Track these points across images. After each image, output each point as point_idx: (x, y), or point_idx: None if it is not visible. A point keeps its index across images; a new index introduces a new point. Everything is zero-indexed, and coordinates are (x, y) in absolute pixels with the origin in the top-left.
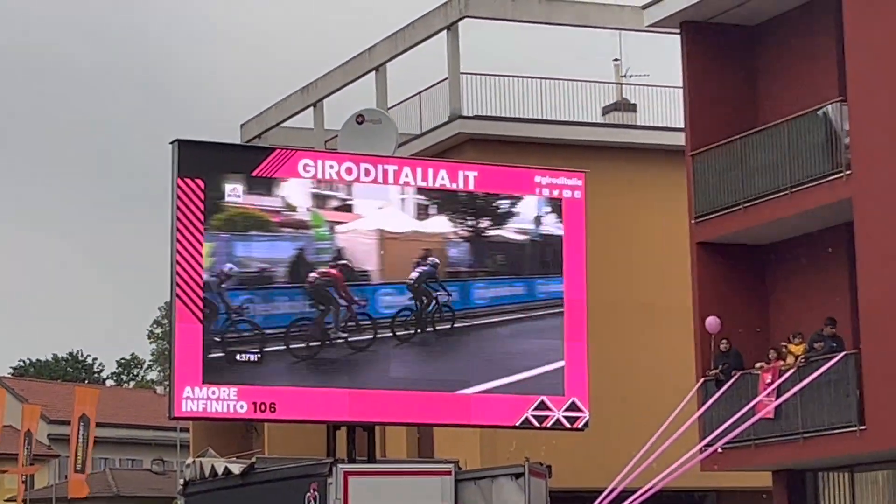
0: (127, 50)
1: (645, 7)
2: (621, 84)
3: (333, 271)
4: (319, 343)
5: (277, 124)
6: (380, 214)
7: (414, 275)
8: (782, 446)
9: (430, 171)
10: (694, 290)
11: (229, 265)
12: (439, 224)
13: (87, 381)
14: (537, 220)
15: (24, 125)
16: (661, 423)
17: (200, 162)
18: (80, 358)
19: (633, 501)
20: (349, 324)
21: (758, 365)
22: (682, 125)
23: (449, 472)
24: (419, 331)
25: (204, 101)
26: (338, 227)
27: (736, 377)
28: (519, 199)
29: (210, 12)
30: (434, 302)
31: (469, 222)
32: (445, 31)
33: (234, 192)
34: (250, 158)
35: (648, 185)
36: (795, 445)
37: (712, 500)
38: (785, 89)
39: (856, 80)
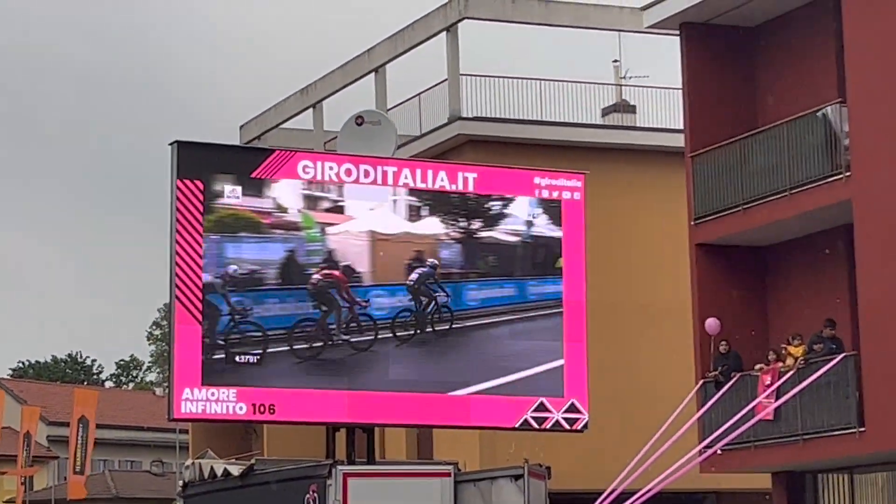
0: (126, 51)
1: (644, 8)
2: (621, 85)
3: (336, 273)
4: (322, 344)
5: (277, 125)
6: (371, 216)
7: (413, 276)
8: (782, 448)
9: (430, 173)
10: (693, 292)
11: (233, 267)
12: (431, 225)
13: (86, 383)
14: (529, 222)
15: (24, 126)
16: (660, 425)
17: (200, 163)
18: (80, 359)
19: (632, 503)
20: (351, 325)
21: (757, 366)
22: (681, 126)
23: (448, 474)
24: (419, 331)
25: (203, 103)
26: (329, 229)
27: (735, 379)
28: (511, 200)
29: (210, 13)
30: (433, 303)
31: (461, 224)
32: (445, 33)
33: (233, 193)
34: (250, 160)
35: (648, 187)
36: (795, 447)
37: (712, 501)
38: (784, 91)
39: (855, 81)
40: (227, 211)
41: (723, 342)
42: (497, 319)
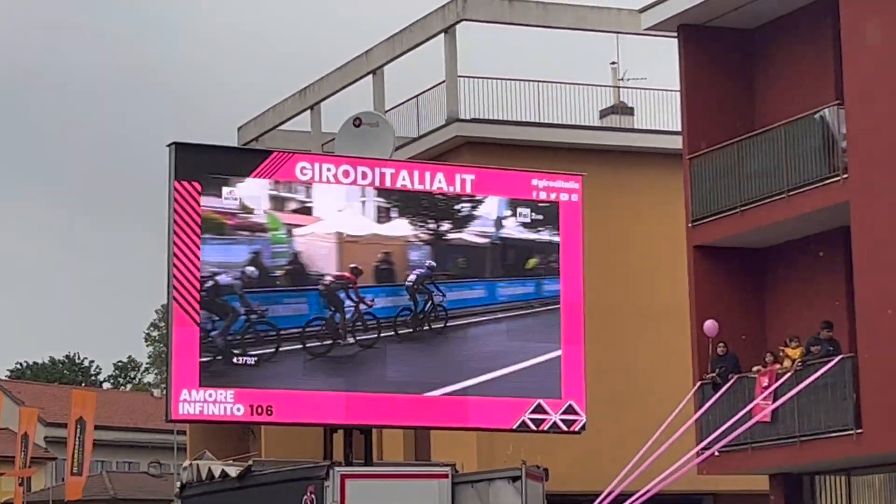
0: (124, 52)
1: (642, 10)
2: (618, 87)
3: (347, 274)
4: (331, 342)
5: (275, 127)
6: (339, 217)
7: (412, 277)
8: (779, 450)
9: (427, 175)
10: (691, 294)
11: (251, 268)
12: (400, 227)
13: (83, 384)
14: (498, 223)
15: (23, 127)
16: (658, 427)
17: (197, 165)
18: (77, 361)
19: None
20: (357, 324)
21: (755, 368)
22: (679, 129)
23: (446, 475)
24: (417, 329)
25: (201, 104)
26: (295, 230)
27: (733, 381)
28: (480, 202)
29: (208, 15)
30: (430, 302)
31: (430, 225)
32: (443, 34)
33: (230, 194)
34: (248, 161)
35: (646, 189)
36: (792, 449)
37: (709, 503)
38: (782, 93)
39: (853, 83)
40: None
41: (720, 344)
42: (490, 318)
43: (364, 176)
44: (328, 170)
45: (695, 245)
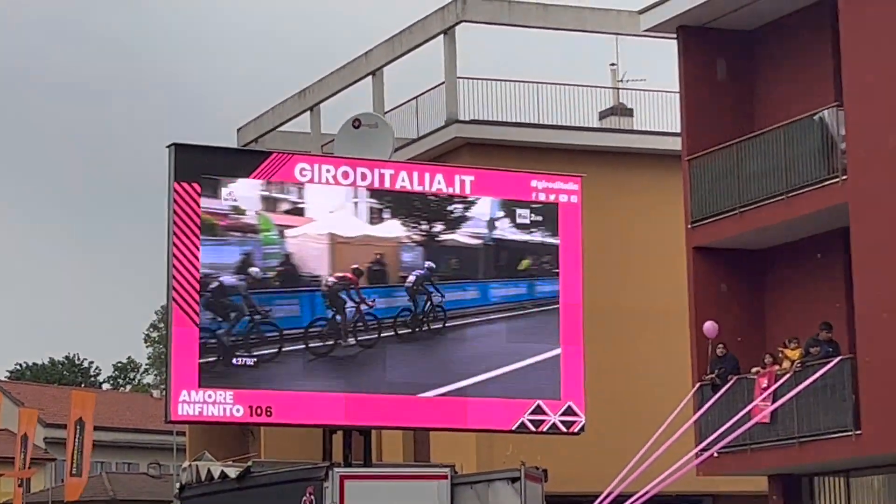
0: (124, 53)
1: (641, 12)
2: (618, 88)
3: (349, 275)
4: (333, 342)
5: (274, 128)
6: (332, 218)
7: (411, 278)
8: (778, 451)
9: (427, 176)
10: (690, 295)
11: (255, 269)
12: (392, 228)
13: (83, 385)
14: (491, 224)
15: (21, 128)
16: (657, 428)
17: (197, 166)
18: (77, 362)
19: None
20: (358, 324)
21: (754, 370)
22: (678, 130)
23: (445, 477)
24: (416, 329)
25: (201, 106)
26: (287, 231)
27: (732, 382)
28: (473, 203)
29: (207, 16)
30: (429, 303)
31: (423, 226)
32: (442, 36)
33: (229, 196)
34: (247, 162)
35: (645, 190)
36: (791, 450)
37: None
38: (781, 94)
39: (852, 85)
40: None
41: (720, 345)
42: (486, 318)
43: (363, 177)
44: (327, 171)
45: (694, 246)
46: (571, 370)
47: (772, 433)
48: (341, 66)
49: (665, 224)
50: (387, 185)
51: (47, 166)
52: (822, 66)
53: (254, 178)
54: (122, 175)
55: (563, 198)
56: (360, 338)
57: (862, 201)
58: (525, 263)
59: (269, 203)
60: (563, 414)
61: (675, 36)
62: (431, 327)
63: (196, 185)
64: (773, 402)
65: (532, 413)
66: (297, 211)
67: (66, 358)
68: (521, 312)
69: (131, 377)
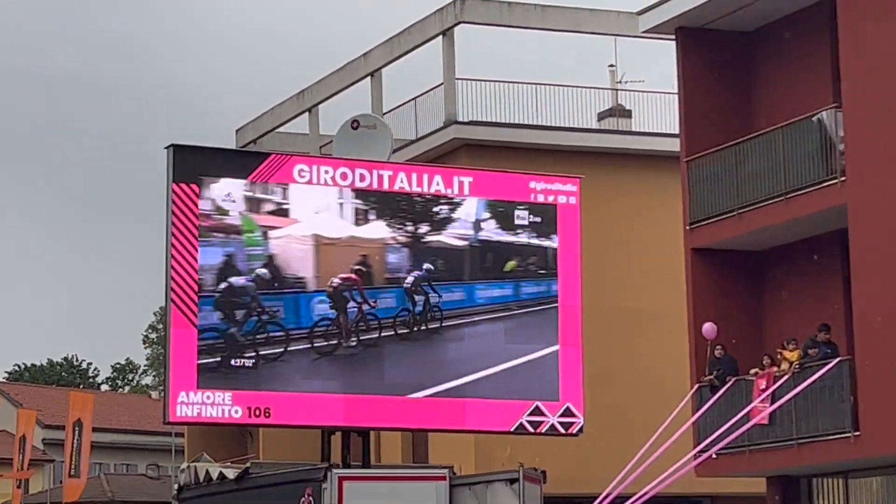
0: (121, 56)
1: (640, 13)
2: (616, 90)
3: (353, 276)
4: (336, 342)
5: (273, 129)
6: (317, 219)
7: (410, 279)
8: (777, 452)
9: (425, 177)
10: (688, 297)
11: (263, 270)
12: (377, 229)
13: (82, 386)
14: (477, 225)
15: (21, 129)
16: (655, 429)
17: (195, 167)
18: (76, 363)
19: None
20: (360, 324)
21: (752, 371)
22: (676, 131)
23: (444, 478)
24: (415, 329)
25: (199, 107)
26: (271, 233)
27: (730, 383)
28: (459, 204)
29: (206, 18)
30: (427, 303)
31: (408, 227)
32: (441, 37)
33: (228, 197)
34: (245, 163)
35: (643, 191)
36: (790, 451)
37: None
38: (780, 95)
39: (850, 86)
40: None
41: (718, 346)
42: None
43: (362, 178)
44: (326, 172)
45: (692, 247)
46: (570, 371)
47: (770, 434)
48: (340, 67)
49: (663, 225)
50: (385, 186)
51: (46, 167)
52: (820, 67)
53: (252, 179)
54: (120, 176)
55: (561, 199)
56: (361, 337)
57: (860, 203)
58: (511, 265)
59: (253, 204)
60: (561, 415)
61: (673, 37)
62: (429, 327)
63: (194, 186)
64: (772, 403)
65: (530, 414)
66: (282, 212)
67: (65, 359)
68: (508, 314)
69: (130, 378)
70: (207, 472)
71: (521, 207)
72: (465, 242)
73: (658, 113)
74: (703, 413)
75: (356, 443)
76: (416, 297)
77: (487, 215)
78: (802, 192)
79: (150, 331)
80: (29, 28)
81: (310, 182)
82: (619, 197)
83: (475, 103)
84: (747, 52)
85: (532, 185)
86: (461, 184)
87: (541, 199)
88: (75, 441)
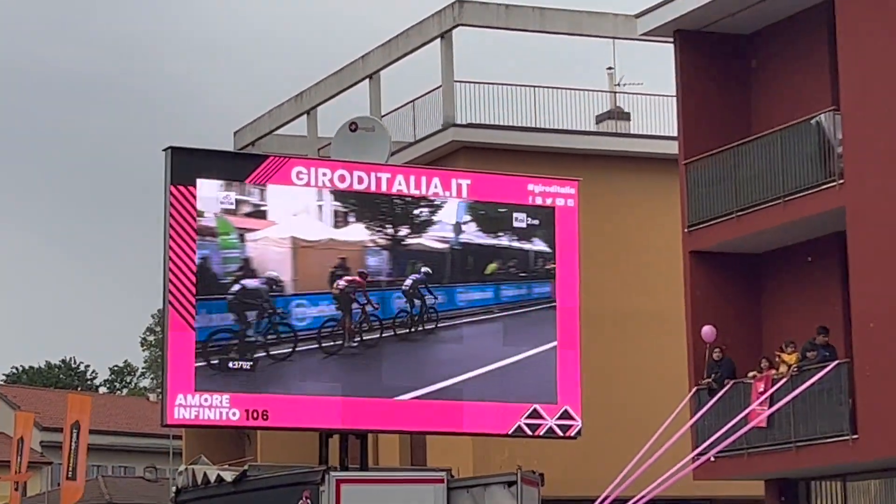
0: (119, 58)
1: (638, 16)
2: (615, 92)
3: (358, 278)
4: (342, 342)
5: (271, 132)
6: (295, 221)
7: (408, 282)
8: (775, 455)
9: (424, 179)
10: (687, 299)
11: (273, 272)
12: (356, 232)
13: (80, 389)
14: (457, 228)
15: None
16: (653, 432)
17: (193, 169)
18: (73, 365)
19: None
20: (363, 325)
21: (750, 374)
22: (675, 134)
23: (441, 480)
24: (412, 330)
25: (198, 109)
26: (248, 235)
27: (728, 386)
28: (439, 206)
29: (204, 20)
30: (423, 305)
31: (387, 230)
32: (439, 39)
33: (226, 199)
34: (244, 166)
35: (641, 194)
36: (788, 454)
37: None
38: (778, 98)
39: (849, 89)
40: None
41: (716, 349)
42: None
43: (360, 181)
44: (324, 174)
45: (690, 250)
46: (568, 374)
47: (769, 437)
48: (338, 69)
49: (662, 228)
50: (383, 188)
51: (44, 168)
52: (818, 70)
53: (250, 181)
54: (119, 177)
55: (559, 201)
56: (364, 338)
57: (859, 205)
58: (492, 268)
59: (230, 206)
60: (559, 418)
61: (672, 40)
62: (425, 328)
63: (192, 189)
64: (770, 406)
65: (529, 417)
66: (259, 214)
67: (63, 361)
68: (489, 317)
69: (128, 381)
70: (205, 474)
71: (518, 210)
72: (446, 245)
73: (656, 115)
74: (702, 416)
75: (354, 445)
76: (415, 301)
77: (468, 218)
78: (801, 194)
79: (147, 333)
80: (29, 28)
81: (308, 184)
82: (617, 199)
83: (473, 106)
84: (745, 54)
85: (530, 187)
86: (459, 186)
87: (539, 201)
88: (73, 443)
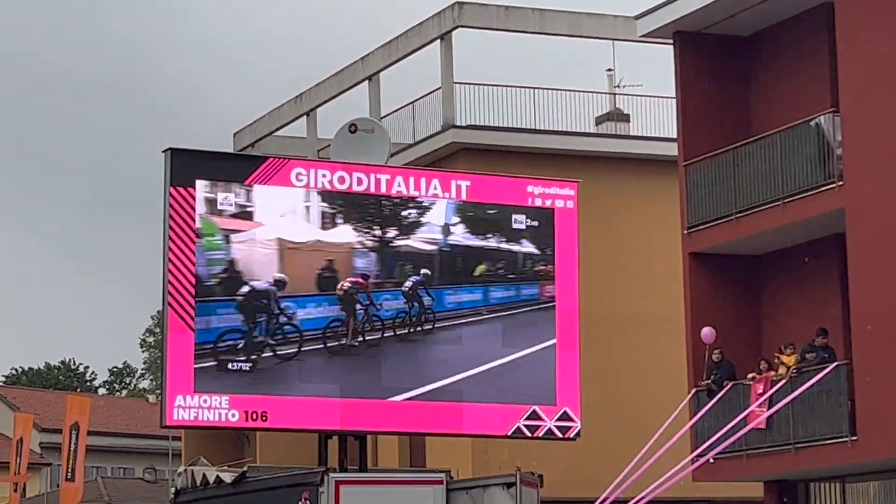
0: (119, 58)
1: (638, 17)
2: (614, 94)
3: (361, 280)
4: (345, 342)
5: (270, 133)
6: (281, 222)
7: (408, 283)
8: (774, 457)
9: (423, 181)
10: (686, 301)
11: (280, 274)
12: (344, 233)
13: (79, 390)
14: (446, 230)
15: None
16: (653, 434)
17: (193, 170)
18: (73, 366)
19: None
20: (365, 325)
21: (749, 375)
22: (674, 135)
23: (441, 482)
24: (411, 331)
25: (197, 110)
26: (234, 237)
27: (728, 387)
28: (428, 208)
29: (203, 21)
30: (421, 306)
31: (375, 231)
32: (439, 41)
33: (226, 200)
34: (243, 167)
35: (641, 195)
36: (787, 456)
37: None
38: (777, 100)
39: (848, 91)
40: None
41: (716, 351)
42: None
43: (359, 182)
44: (323, 176)
45: (690, 252)
46: (567, 375)
47: (768, 439)
48: (338, 70)
49: (661, 229)
50: (383, 190)
51: (44, 169)
52: (818, 71)
53: (249, 182)
54: (119, 178)
55: (559, 203)
56: (368, 338)
57: (858, 207)
58: (480, 269)
59: (214, 207)
60: (558, 419)
61: (671, 41)
62: (424, 328)
63: (192, 190)
64: (769, 407)
65: (528, 418)
66: (246, 215)
67: (62, 363)
68: (478, 318)
69: (127, 382)
70: (204, 475)
71: (518, 212)
72: (435, 247)
73: (656, 117)
74: (701, 417)
75: (353, 446)
76: (414, 302)
77: (457, 220)
78: (800, 196)
79: (147, 334)
80: (29, 28)
81: (307, 186)
82: (616, 201)
83: (473, 107)
84: (745, 56)
85: (530, 189)
86: (459, 188)
87: (538, 203)
88: (72, 444)
